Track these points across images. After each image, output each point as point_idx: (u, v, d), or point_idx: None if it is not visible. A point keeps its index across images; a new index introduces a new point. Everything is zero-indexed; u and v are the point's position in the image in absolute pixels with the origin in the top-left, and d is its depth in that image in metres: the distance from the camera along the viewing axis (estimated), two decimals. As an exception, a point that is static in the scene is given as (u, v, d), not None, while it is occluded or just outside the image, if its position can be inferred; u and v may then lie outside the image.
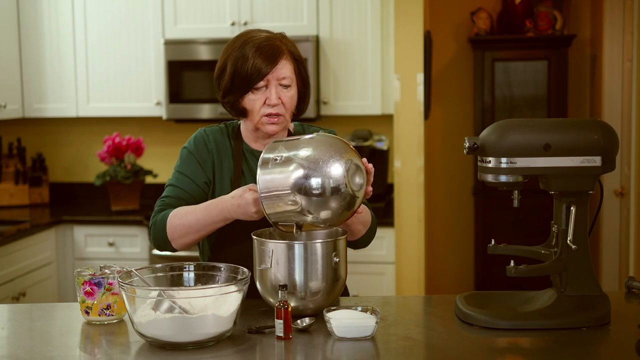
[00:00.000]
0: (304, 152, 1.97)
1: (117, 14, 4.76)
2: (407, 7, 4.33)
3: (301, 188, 1.94)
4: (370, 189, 2.02)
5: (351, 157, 1.97)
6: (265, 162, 1.99)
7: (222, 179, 2.31)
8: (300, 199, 1.94)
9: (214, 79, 2.29)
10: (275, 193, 1.96)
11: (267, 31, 2.28)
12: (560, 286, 2.05)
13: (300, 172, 1.94)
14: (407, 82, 4.35)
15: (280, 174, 1.96)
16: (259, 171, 1.99)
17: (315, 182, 1.93)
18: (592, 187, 2.02)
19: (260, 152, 2.33)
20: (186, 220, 2.18)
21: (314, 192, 1.93)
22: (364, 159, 2.01)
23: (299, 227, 2.00)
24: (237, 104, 2.24)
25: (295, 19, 4.60)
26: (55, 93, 4.85)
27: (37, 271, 4.37)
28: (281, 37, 2.27)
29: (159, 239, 2.24)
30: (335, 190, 1.94)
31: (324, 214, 1.96)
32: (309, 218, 1.97)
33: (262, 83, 2.21)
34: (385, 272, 4.43)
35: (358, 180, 1.97)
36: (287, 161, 1.96)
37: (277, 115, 2.23)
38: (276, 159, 1.98)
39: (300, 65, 2.28)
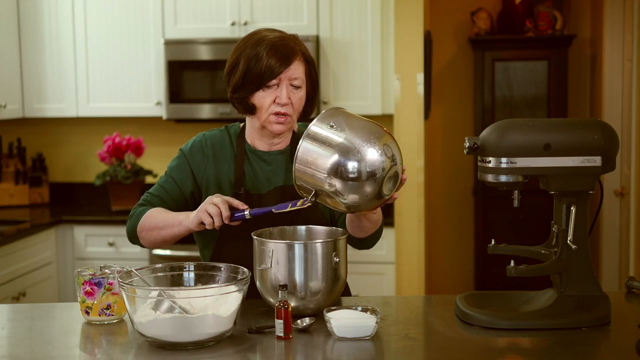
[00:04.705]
0: (352, 139, 1.94)
1: (117, 14, 4.76)
2: (407, 7, 4.33)
3: (336, 172, 1.93)
4: (396, 195, 2.04)
5: (396, 160, 1.97)
6: (312, 135, 1.96)
7: (221, 182, 2.32)
8: (336, 182, 1.93)
9: (224, 74, 2.31)
10: (310, 169, 1.96)
11: (279, 31, 2.29)
12: (560, 286, 2.05)
13: (341, 159, 1.92)
14: (407, 82, 4.35)
15: (321, 152, 1.94)
16: (303, 140, 1.97)
17: (352, 167, 1.92)
18: (592, 187, 2.02)
19: (264, 152, 2.34)
20: (155, 218, 2.26)
21: (350, 176, 1.92)
22: (404, 167, 2.02)
23: (316, 195, 1.99)
24: (247, 100, 2.26)
25: (295, 19, 4.60)
26: (55, 93, 4.85)
27: (37, 271, 4.37)
28: (294, 38, 2.29)
29: (131, 231, 2.33)
30: (371, 176, 1.92)
31: (353, 198, 1.95)
32: (340, 199, 1.96)
33: (274, 81, 2.22)
34: (385, 272, 4.43)
35: (390, 185, 1.98)
36: (332, 142, 1.94)
37: (285, 115, 2.25)
38: (332, 125, 1.97)
39: (311, 68, 2.30)
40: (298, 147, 1.97)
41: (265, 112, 2.25)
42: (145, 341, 1.90)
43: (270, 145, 2.34)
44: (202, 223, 2.13)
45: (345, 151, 1.93)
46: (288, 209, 2.11)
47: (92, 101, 4.83)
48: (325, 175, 1.94)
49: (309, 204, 2.05)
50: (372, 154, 1.93)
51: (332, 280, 2.06)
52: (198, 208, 2.15)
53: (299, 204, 2.08)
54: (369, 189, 1.94)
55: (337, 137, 1.95)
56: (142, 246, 2.35)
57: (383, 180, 1.94)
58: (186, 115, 4.70)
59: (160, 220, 2.24)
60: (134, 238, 2.33)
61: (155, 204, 2.32)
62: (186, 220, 2.18)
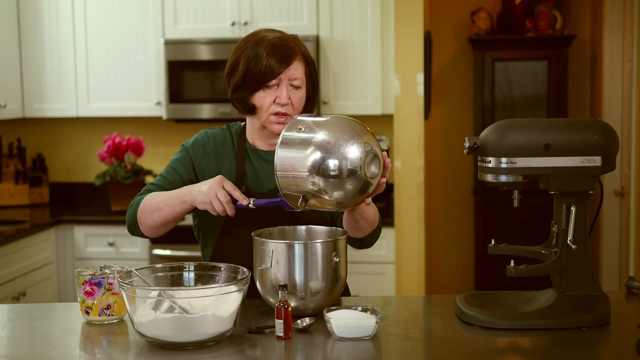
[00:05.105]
0: (323, 134, 1.95)
1: (117, 13, 4.76)
2: (407, 7, 4.33)
3: (318, 170, 1.93)
4: (384, 180, 2.03)
5: (371, 144, 1.96)
6: (285, 141, 1.98)
7: (222, 180, 2.32)
8: (318, 180, 1.94)
9: (224, 74, 2.31)
10: (291, 173, 1.96)
11: (279, 31, 2.30)
12: (560, 286, 2.05)
13: (317, 155, 1.93)
14: (407, 82, 4.35)
15: (297, 155, 1.96)
16: (277, 149, 1.99)
17: (332, 164, 1.92)
18: (592, 187, 2.02)
19: (264, 151, 2.35)
20: (155, 199, 2.24)
21: (330, 174, 1.93)
22: (384, 153, 2.01)
23: (305, 200, 1.99)
24: (247, 100, 2.26)
25: (295, 19, 4.60)
26: (55, 93, 4.85)
27: (37, 271, 4.37)
28: (294, 38, 2.29)
29: (131, 219, 2.29)
30: (352, 173, 1.93)
31: (338, 195, 1.95)
32: (325, 197, 1.96)
33: (274, 82, 2.23)
34: (385, 272, 4.43)
35: (373, 169, 1.97)
36: (306, 142, 1.96)
37: (285, 115, 2.25)
38: (300, 129, 1.98)
39: (311, 68, 2.30)
40: (275, 157, 1.99)
41: (266, 112, 2.26)
42: (145, 341, 1.90)
43: (270, 145, 2.35)
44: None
45: (320, 147, 1.94)
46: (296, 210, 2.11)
47: (92, 101, 4.83)
48: (307, 174, 1.94)
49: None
50: (346, 143, 1.94)
51: (332, 280, 2.06)
52: (204, 197, 2.12)
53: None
54: (350, 178, 1.94)
55: (308, 136, 1.96)
56: (142, 235, 2.31)
57: (363, 165, 1.94)
58: (186, 115, 4.70)
59: (161, 199, 2.22)
60: (134, 226, 2.30)
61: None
62: (188, 196, 2.17)
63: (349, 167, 1.93)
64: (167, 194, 2.24)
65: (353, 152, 1.93)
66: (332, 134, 1.95)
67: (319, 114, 2.08)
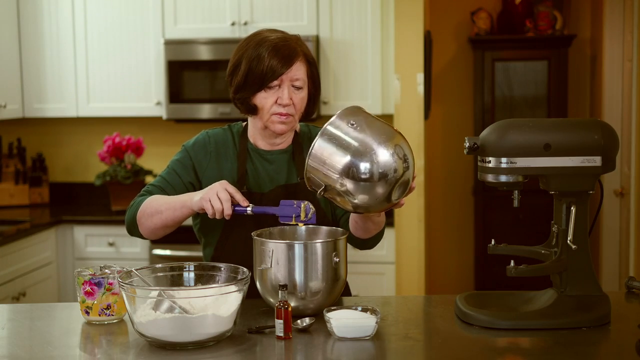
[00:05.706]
0: (368, 141, 1.94)
1: (117, 14, 4.76)
2: (407, 7, 4.33)
3: (348, 172, 1.93)
4: (403, 201, 2.04)
5: (409, 166, 1.96)
6: (329, 133, 1.96)
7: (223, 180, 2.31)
8: (347, 182, 1.94)
9: (226, 75, 2.31)
10: (323, 167, 1.96)
11: (281, 32, 2.30)
12: (560, 286, 2.05)
13: (355, 161, 1.92)
14: (407, 82, 4.35)
15: (336, 152, 1.94)
16: (318, 138, 1.97)
17: (364, 167, 1.92)
18: (592, 187, 2.02)
19: (266, 151, 2.35)
20: (156, 202, 2.24)
21: (362, 177, 1.93)
22: (415, 175, 2.02)
23: (326, 190, 1.99)
24: (249, 100, 2.26)
25: (295, 19, 4.60)
26: (55, 93, 4.85)
27: (37, 271, 4.37)
28: (296, 38, 2.29)
29: (130, 220, 2.29)
30: (382, 178, 1.93)
31: (362, 199, 1.95)
32: (349, 198, 1.96)
33: (275, 82, 2.23)
34: (385, 272, 4.43)
35: (400, 191, 1.97)
36: (348, 145, 1.94)
37: (287, 115, 2.25)
38: (353, 124, 1.97)
39: (313, 68, 2.30)
40: (313, 143, 1.97)
41: (267, 113, 2.26)
42: (145, 341, 1.90)
43: (272, 144, 2.35)
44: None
45: (360, 153, 1.93)
46: (292, 223, 2.12)
47: (92, 101, 4.83)
48: (338, 175, 1.94)
49: (313, 224, 2.12)
50: (386, 158, 1.93)
51: (332, 280, 2.06)
52: (204, 194, 2.12)
53: (302, 217, 2.10)
54: (379, 191, 1.94)
55: (353, 137, 1.95)
56: (141, 237, 2.31)
57: (394, 186, 1.94)
58: (186, 115, 4.70)
59: (162, 203, 2.22)
60: (133, 227, 2.30)
61: (157, 194, 2.30)
62: (189, 201, 2.17)
63: (380, 172, 1.92)
64: (169, 197, 2.24)
65: (389, 167, 1.92)
66: (377, 143, 1.94)
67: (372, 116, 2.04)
